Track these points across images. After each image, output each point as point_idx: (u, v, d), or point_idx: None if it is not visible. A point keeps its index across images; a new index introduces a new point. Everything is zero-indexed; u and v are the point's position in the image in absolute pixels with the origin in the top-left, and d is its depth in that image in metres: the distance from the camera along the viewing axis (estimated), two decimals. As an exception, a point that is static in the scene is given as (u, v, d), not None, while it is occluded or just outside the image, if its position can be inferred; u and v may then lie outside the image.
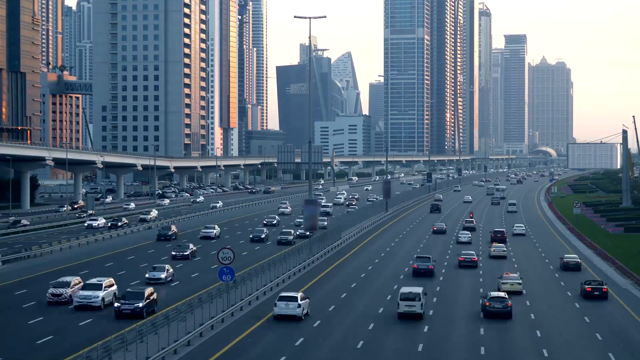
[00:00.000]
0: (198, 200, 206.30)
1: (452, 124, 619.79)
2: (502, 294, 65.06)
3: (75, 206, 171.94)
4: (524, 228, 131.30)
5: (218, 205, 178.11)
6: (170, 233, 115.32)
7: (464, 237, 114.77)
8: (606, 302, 71.69)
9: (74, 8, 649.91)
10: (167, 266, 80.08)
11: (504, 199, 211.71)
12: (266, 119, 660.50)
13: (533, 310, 66.96)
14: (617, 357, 52.24)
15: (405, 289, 64.05)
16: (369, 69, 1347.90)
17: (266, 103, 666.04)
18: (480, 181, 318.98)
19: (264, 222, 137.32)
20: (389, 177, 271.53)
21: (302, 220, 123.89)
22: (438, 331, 58.64)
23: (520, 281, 75.33)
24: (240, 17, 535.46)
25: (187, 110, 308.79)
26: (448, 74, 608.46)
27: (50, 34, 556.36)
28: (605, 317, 65.79)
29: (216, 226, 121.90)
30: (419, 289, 63.72)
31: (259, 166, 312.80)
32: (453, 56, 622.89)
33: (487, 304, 63.51)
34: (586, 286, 73.83)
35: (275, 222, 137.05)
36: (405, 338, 56.23)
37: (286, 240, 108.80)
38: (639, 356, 53.36)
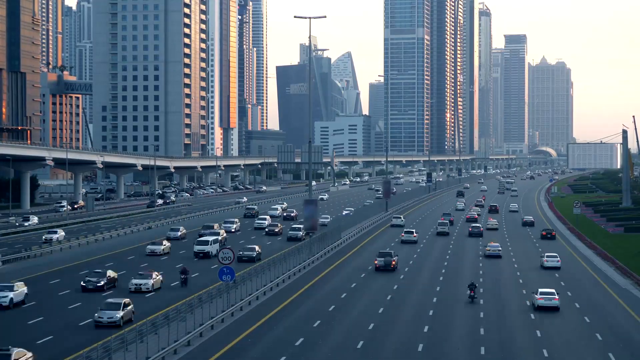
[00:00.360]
0: (26, 224, 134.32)
1: (452, 124, 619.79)
2: (479, 225, 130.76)
3: (76, 206, 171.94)
4: (517, 206, 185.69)
5: (55, 237, 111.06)
6: None
7: (459, 205, 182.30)
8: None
9: (74, 8, 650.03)
10: None
11: (508, 189, 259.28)
12: (266, 119, 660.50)
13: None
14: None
15: (440, 220, 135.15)
16: (369, 69, 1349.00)
17: (266, 103, 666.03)
18: (501, 176, 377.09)
19: (82, 283, 73.84)
20: (387, 176, 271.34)
21: (138, 282, 72.53)
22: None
23: (497, 223, 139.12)
24: (240, 17, 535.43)
25: (187, 110, 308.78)
26: (448, 74, 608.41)
27: (50, 34, 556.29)
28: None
29: (19, 284, 68.16)
30: (447, 221, 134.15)
31: (259, 166, 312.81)
32: (453, 56, 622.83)
33: (470, 229, 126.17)
34: (543, 231, 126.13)
35: (102, 283, 73.13)
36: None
37: None
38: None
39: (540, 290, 69.10)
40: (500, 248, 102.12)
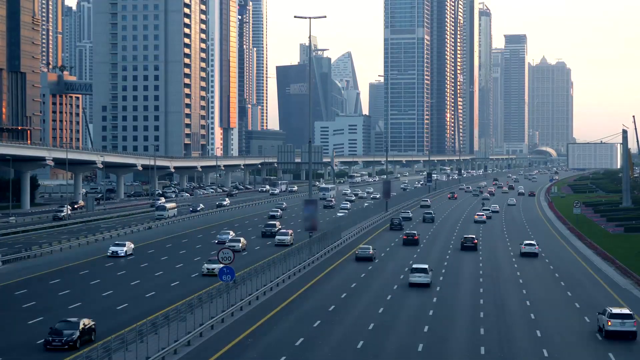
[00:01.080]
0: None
1: (452, 124, 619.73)
2: (492, 190, 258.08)
3: (76, 206, 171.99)
4: (523, 188, 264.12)
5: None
6: None
7: (482, 184, 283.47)
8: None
9: (74, 8, 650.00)
10: None
11: (528, 179, 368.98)
12: (266, 119, 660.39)
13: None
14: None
15: (474, 188, 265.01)
16: (369, 69, 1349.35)
17: (266, 103, 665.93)
18: (537, 172, 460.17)
19: None
20: (386, 177, 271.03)
21: None
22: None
23: (508, 190, 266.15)
24: (240, 17, 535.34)
25: (187, 110, 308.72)
26: (448, 74, 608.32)
27: (50, 34, 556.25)
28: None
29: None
30: (478, 189, 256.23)
31: (259, 166, 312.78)
32: (453, 56, 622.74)
33: (487, 192, 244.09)
34: (529, 192, 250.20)
35: None
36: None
37: None
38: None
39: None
40: (489, 196, 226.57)
